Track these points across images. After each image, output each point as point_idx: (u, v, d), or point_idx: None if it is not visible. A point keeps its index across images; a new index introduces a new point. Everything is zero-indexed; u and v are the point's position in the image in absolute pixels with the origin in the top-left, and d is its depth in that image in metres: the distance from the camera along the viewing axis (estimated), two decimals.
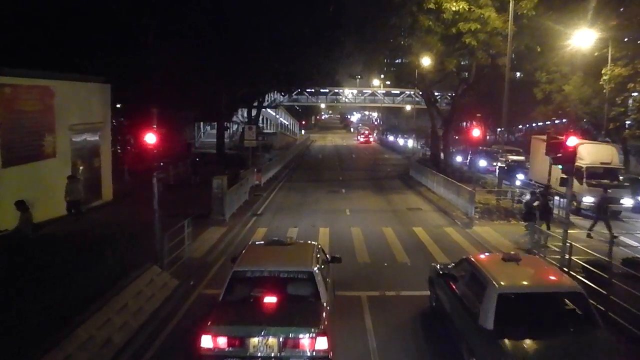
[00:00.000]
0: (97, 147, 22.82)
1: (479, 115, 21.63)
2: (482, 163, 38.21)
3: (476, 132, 20.17)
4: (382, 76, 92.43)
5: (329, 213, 22.26)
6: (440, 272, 10.19)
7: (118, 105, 33.60)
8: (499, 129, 52.37)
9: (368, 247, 16.43)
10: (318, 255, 9.30)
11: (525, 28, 25.52)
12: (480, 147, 39.75)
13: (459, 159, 41.43)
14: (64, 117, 19.70)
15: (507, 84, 22.66)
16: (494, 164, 36.71)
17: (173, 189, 26.62)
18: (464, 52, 26.53)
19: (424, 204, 24.90)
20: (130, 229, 16.42)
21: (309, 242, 10.60)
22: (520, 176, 31.25)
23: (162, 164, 14.59)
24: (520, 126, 66.61)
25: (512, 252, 9.27)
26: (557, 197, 21.62)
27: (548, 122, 64.50)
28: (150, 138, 12.66)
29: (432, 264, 12.04)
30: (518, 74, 46.88)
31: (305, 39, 35.25)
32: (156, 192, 13.13)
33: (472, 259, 9.13)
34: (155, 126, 12.86)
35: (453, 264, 11.64)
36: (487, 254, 11.33)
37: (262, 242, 9.97)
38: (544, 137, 30.13)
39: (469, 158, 41.37)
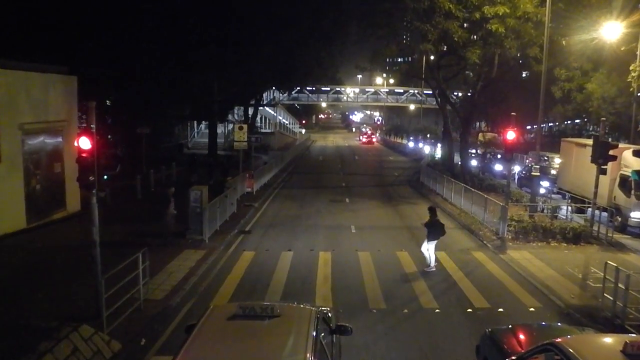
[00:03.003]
0: (59, 150, 19.24)
1: (514, 114, 17.85)
2: (498, 167, 34.70)
3: (511, 135, 16.49)
4: (385, 75, 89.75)
5: (331, 230, 18.71)
6: None
7: (108, 103, 30.49)
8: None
9: (381, 283, 12.83)
10: (315, 336, 5.70)
11: (556, 15, 22.05)
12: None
13: (473, 163, 37.77)
14: (11, 115, 16.36)
15: (544, 75, 19.35)
16: (512, 168, 33.26)
17: (155, 196, 23.21)
18: (489, 40, 22.91)
19: (442, 219, 20.92)
20: (75, 255, 13.14)
21: (304, 307, 6.92)
22: (545, 184, 27.58)
23: (105, 177, 10.93)
24: (529, 127, 63.13)
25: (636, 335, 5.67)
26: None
27: (557, 123, 61.27)
28: (84, 143, 9.08)
29: (485, 330, 8.36)
30: (526, 73, 43.65)
31: (303, 25, 31.74)
32: (96, 217, 9.55)
33: (570, 350, 5.54)
34: (93, 127, 9.28)
35: (509, 328, 8.11)
36: (585, 334, 7.71)
37: (231, 310, 6.23)
38: (578, 140, 26.89)
39: (484, 162, 37.80)
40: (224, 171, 24.09)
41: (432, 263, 13.88)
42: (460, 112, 33.33)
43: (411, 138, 68.00)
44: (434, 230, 13.95)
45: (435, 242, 13.99)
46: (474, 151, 42.75)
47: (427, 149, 52.13)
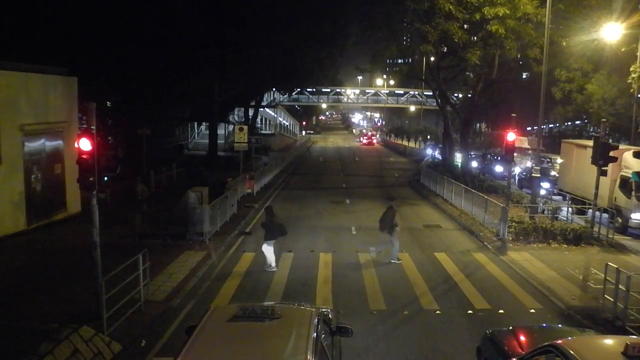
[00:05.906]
0: (60, 151, 19.19)
1: (514, 115, 17.93)
2: (499, 169, 34.68)
3: (511, 136, 16.49)
4: (385, 76, 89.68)
5: (331, 231, 18.69)
6: None
7: (108, 104, 30.52)
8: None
9: (382, 284, 12.82)
10: (316, 338, 5.69)
11: (557, 16, 22.10)
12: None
13: (473, 164, 37.73)
14: (11, 116, 16.33)
15: (545, 76, 19.37)
16: (513, 170, 33.19)
17: (157, 197, 23.17)
18: (489, 41, 22.94)
19: (442, 220, 21.27)
20: (75, 256, 13.13)
21: (304, 307, 6.93)
22: (545, 185, 27.60)
23: (106, 178, 10.92)
24: (529, 128, 63.15)
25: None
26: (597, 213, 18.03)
27: (557, 124, 61.22)
28: (85, 144, 9.08)
29: (486, 331, 8.37)
30: (526, 74, 43.66)
31: (303, 26, 31.74)
32: (96, 219, 9.55)
33: (571, 352, 5.54)
34: (93, 128, 9.28)
35: (510, 329, 8.11)
36: (586, 335, 7.73)
37: (232, 311, 6.20)
38: (578, 141, 26.85)
39: (484, 163, 37.73)
40: (203, 180, 22.40)
41: (273, 263, 13.84)
42: (461, 113, 33.33)
43: (433, 144, 56.34)
44: (271, 230, 13.93)
45: (274, 241, 13.92)
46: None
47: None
